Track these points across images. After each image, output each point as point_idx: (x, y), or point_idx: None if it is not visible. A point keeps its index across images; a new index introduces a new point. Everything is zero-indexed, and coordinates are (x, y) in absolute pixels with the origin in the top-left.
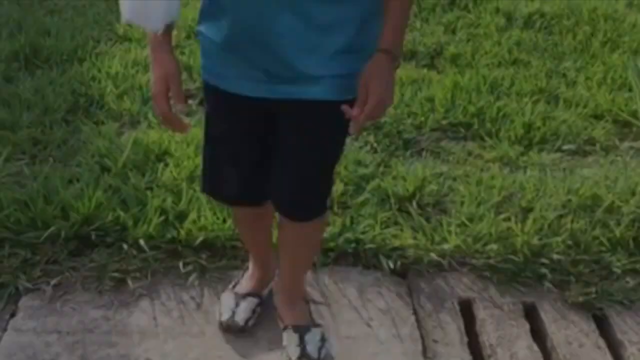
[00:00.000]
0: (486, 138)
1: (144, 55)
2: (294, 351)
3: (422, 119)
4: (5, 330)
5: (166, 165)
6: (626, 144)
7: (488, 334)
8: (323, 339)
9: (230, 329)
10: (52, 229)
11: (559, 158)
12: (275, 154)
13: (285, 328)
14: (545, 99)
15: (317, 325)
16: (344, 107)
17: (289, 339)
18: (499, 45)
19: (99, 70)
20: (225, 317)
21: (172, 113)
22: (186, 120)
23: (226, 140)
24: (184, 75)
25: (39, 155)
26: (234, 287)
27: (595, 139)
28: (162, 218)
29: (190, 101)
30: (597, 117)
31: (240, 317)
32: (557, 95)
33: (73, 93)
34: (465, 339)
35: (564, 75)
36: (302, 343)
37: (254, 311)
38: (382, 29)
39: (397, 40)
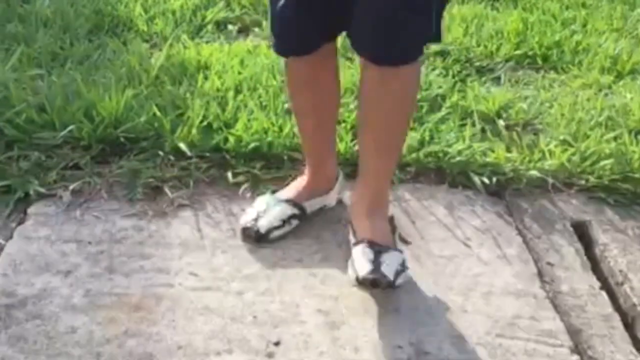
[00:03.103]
0: (569, 68)
1: None
2: (364, 265)
3: (493, 48)
4: (10, 238)
5: (206, 77)
6: None
7: (615, 259)
8: (404, 265)
9: (246, 236)
10: (71, 127)
11: None
12: None
13: (357, 243)
14: (624, 37)
15: (399, 251)
16: None
17: (360, 252)
18: None
19: None
20: (244, 219)
21: None
22: None
23: None
24: (221, 4)
25: (57, 69)
26: (274, 191)
27: None
28: (206, 123)
29: (229, 26)
30: None
31: (263, 224)
32: (637, 35)
33: (97, 13)
34: (588, 264)
35: (639, 20)
36: (377, 260)
37: (284, 222)
38: None
39: None
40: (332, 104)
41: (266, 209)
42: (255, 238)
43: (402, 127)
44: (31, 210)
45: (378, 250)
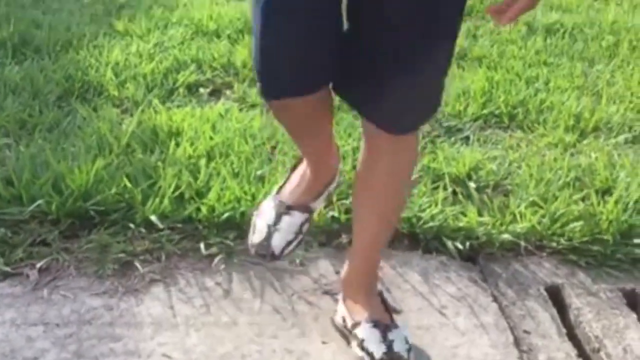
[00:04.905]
0: (534, 127)
1: (147, 48)
2: (377, 347)
3: (461, 108)
4: None
5: (178, 144)
6: None
7: (590, 324)
8: (408, 341)
9: (260, 256)
10: (39, 202)
11: (620, 145)
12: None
13: (355, 325)
14: (586, 95)
15: (400, 326)
16: (492, 7)
17: (368, 333)
18: (525, 49)
19: (97, 60)
20: (256, 237)
21: None
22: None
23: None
24: (193, 67)
25: (26, 139)
26: (278, 191)
27: None
28: (178, 193)
29: (201, 89)
30: None
31: (276, 243)
32: (598, 92)
33: (67, 79)
34: (564, 330)
35: (599, 76)
36: (386, 339)
37: (296, 234)
38: None
39: None
40: (329, 120)
41: (276, 220)
42: (269, 259)
43: (405, 193)
44: None
45: (383, 329)
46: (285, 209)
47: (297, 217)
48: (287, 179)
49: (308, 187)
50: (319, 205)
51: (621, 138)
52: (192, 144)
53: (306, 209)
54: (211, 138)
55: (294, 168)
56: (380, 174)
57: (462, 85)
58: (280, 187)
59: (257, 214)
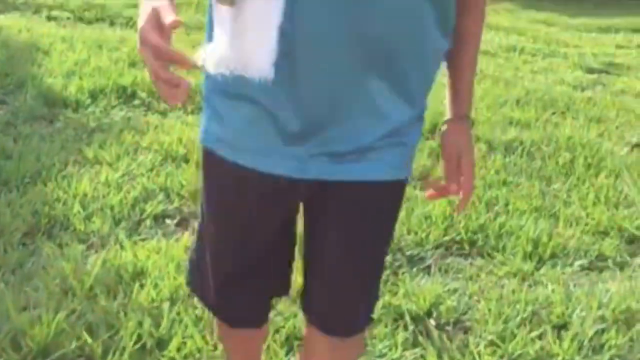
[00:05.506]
0: (494, 254)
1: (116, 177)
2: None
3: (423, 235)
4: None
5: (142, 285)
6: (638, 260)
7: None
8: None
9: None
10: None
11: (576, 273)
12: (309, 250)
13: None
14: (544, 217)
15: None
16: (442, 186)
17: None
18: (485, 169)
19: (65, 192)
20: None
21: (169, 46)
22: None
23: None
24: (161, 196)
25: None
26: None
27: (606, 254)
28: (139, 345)
29: (167, 220)
30: (602, 233)
31: None
32: (555, 214)
33: (34, 214)
34: None
35: (556, 196)
36: None
37: None
38: (455, 92)
39: (471, 101)
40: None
41: None
42: None
43: None
44: None
45: None
46: None
47: None
48: None
49: None
50: None
51: (577, 265)
52: (156, 286)
53: None
54: (175, 278)
55: None
56: None
57: (424, 209)
58: None
59: None
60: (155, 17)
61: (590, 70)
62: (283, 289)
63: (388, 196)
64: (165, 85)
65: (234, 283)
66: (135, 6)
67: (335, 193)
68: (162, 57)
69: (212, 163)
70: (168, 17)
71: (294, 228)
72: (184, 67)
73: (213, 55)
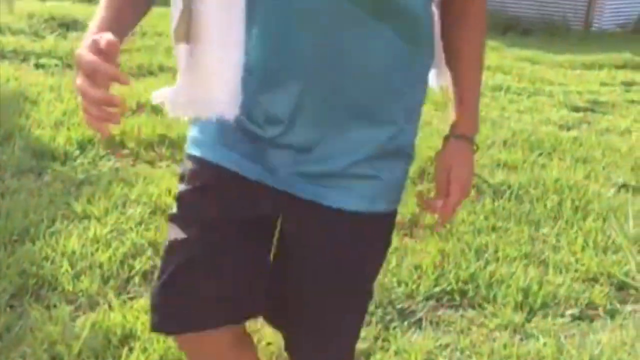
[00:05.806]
0: (485, 305)
1: (105, 232)
2: None
3: (414, 286)
4: None
5: (131, 350)
6: (628, 307)
7: None
8: None
9: None
10: None
11: (567, 323)
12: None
13: None
14: (533, 264)
15: None
16: (426, 201)
17: None
18: (474, 214)
19: (53, 250)
20: None
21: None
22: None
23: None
24: (149, 252)
25: None
26: None
27: (596, 303)
28: None
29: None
30: (592, 280)
31: None
32: (544, 260)
33: (21, 274)
34: None
35: (545, 241)
36: None
37: None
38: (455, 111)
39: (472, 123)
40: None
41: None
42: None
43: None
44: None
45: None
46: None
47: None
48: None
49: None
50: None
51: (568, 314)
52: (144, 350)
53: None
54: (164, 341)
55: None
56: None
57: (414, 259)
58: None
59: None
60: (95, 44)
61: (576, 109)
62: (253, 303)
63: (359, 228)
64: (99, 109)
65: (186, 271)
66: (127, 52)
67: (304, 213)
68: (98, 74)
69: (188, 164)
70: (105, 39)
71: (265, 243)
72: (122, 83)
73: (172, 99)
